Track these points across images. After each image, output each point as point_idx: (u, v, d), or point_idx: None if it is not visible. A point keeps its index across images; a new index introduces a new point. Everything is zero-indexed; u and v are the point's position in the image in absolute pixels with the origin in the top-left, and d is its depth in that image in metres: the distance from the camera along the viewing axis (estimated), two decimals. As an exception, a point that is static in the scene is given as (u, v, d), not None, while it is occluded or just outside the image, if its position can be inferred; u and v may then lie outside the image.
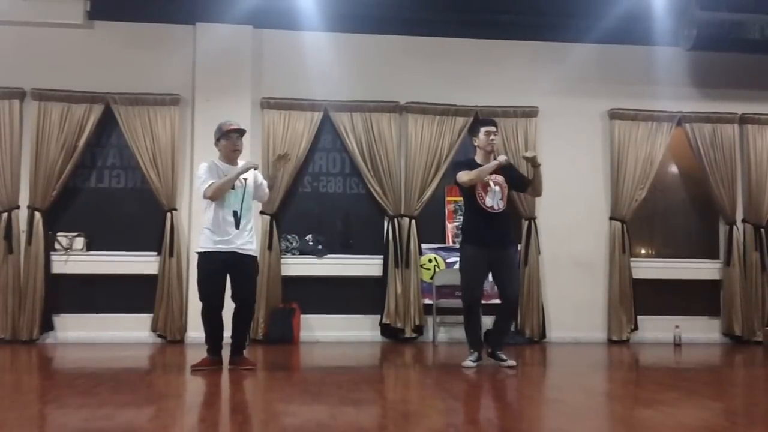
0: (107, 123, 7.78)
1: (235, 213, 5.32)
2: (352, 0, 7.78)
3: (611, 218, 8.16)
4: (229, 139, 5.44)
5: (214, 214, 5.33)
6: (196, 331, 7.48)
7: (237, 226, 5.31)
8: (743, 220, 8.32)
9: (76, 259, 7.61)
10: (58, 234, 7.63)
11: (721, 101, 8.37)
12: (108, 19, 7.86)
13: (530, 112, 8.14)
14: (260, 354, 6.80)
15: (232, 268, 5.37)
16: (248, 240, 5.39)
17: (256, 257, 5.52)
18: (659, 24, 7.81)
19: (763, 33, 7.67)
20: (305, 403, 4.24)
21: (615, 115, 8.26)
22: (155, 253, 7.65)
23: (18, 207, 7.56)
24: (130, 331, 7.58)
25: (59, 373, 5.83)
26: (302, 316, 7.60)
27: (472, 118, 7.98)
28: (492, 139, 5.62)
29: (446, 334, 7.92)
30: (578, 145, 8.11)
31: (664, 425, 3.52)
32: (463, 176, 5.51)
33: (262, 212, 7.71)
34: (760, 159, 8.33)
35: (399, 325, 7.76)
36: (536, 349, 7.41)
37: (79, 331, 7.54)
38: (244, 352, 5.50)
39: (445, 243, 8.05)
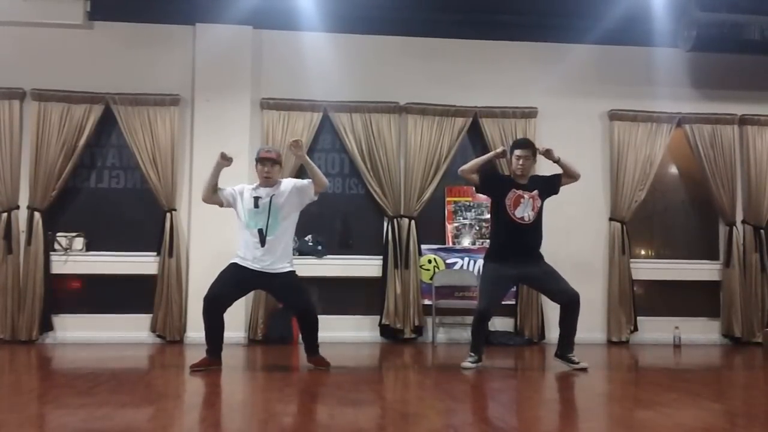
0: (107, 123, 7.78)
1: (260, 231, 5.37)
2: (352, 1, 7.79)
3: (611, 219, 8.16)
4: (263, 165, 5.50)
5: (241, 235, 5.45)
6: (195, 332, 7.49)
7: (262, 244, 5.35)
8: (743, 221, 8.32)
9: (75, 259, 7.62)
10: (58, 234, 7.63)
11: (721, 102, 8.37)
12: (108, 19, 7.86)
13: (529, 113, 8.14)
14: (259, 354, 6.80)
15: (266, 287, 5.60)
16: (279, 259, 5.39)
17: (292, 272, 5.48)
18: (659, 25, 7.81)
19: (762, 34, 7.67)
20: (304, 403, 4.24)
21: (614, 115, 8.26)
22: (155, 253, 7.65)
23: (17, 207, 7.56)
24: (129, 332, 7.57)
25: (58, 374, 5.83)
26: (302, 316, 7.61)
27: (471, 119, 8.03)
28: (521, 164, 5.60)
29: (445, 334, 7.92)
30: (578, 146, 8.09)
31: (663, 426, 3.52)
32: (464, 166, 5.68)
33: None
34: (759, 160, 8.33)
35: (398, 325, 7.75)
36: (535, 350, 7.40)
37: (78, 332, 7.54)
38: (319, 351, 5.56)
39: (444, 244, 8.05)
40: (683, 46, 7.97)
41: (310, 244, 7.89)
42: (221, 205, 5.57)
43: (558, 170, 5.76)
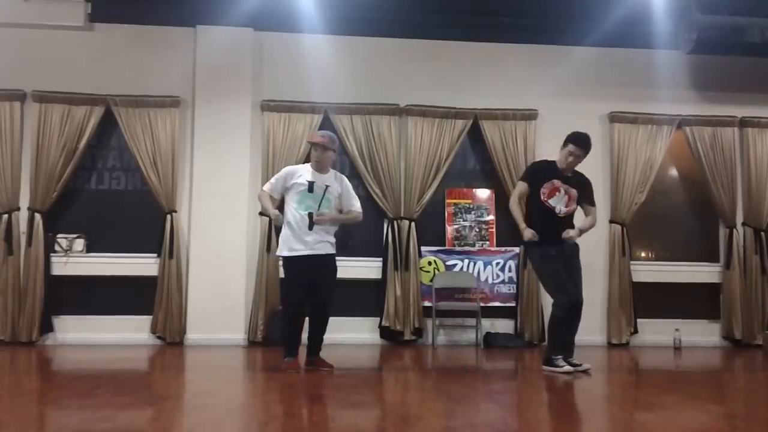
0: (108, 125, 7.79)
1: (310, 215, 5.37)
2: (352, 3, 7.79)
3: (611, 221, 8.15)
4: (314, 150, 5.55)
5: (291, 213, 5.43)
6: (195, 333, 7.52)
7: (310, 227, 5.36)
8: (743, 224, 8.32)
9: (76, 260, 7.62)
10: (58, 235, 7.64)
11: (721, 104, 8.37)
12: (109, 21, 7.88)
13: (530, 115, 8.14)
14: (259, 356, 6.80)
15: (315, 271, 5.44)
16: (324, 240, 5.42)
17: (334, 255, 5.52)
18: (659, 27, 7.82)
19: (762, 36, 7.67)
20: (304, 405, 4.24)
21: (615, 118, 8.26)
22: (155, 254, 7.65)
23: (18, 208, 7.56)
24: (129, 333, 7.57)
25: (59, 375, 5.83)
26: (302, 318, 7.60)
27: (471, 121, 8.03)
28: (570, 161, 5.60)
29: (445, 336, 7.93)
30: (578, 148, 8.11)
31: (663, 428, 3.52)
32: (512, 198, 5.65)
33: (261, 214, 7.72)
34: (760, 162, 8.33)
35: (398, 327, 7.75)
36: (535, 352, 7.40)
37: (78, 333, 7.54)
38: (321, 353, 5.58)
39: (444, 246, 8.05)
40: (683, 49, 7.98)
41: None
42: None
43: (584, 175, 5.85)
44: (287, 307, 5.57)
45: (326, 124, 7.99)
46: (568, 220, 5.59)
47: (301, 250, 5.36)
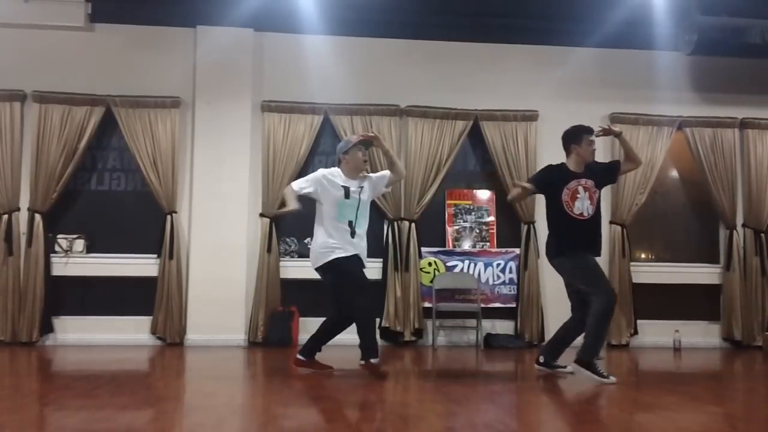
0: (108, 125, 7.79)
1: (350, 223, 5.27)
2: (353, 4, 7.79)
3: (611, 222, 8.14)
4: (365, 149, 5.41)
5: (330, 224, 5.27)
6: (195, 334, 7.51)
7: (353, 235, 5.27)
8: (743, 225, 8.32)
9: (76, 261, 7.62)
10: (59, 236, 7.63)
11: (722, 106, 8.38)
12: (109, 21, 7.88)
13: (530, 116, 8.14)
14: (259, 357, 6.80)
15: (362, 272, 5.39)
16: (363, 245, 5.37)
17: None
18: (660, 28, 7.82)
19: (763, 38, 7.67)
20: (304, 406, 4.24)
21: (615, 119, 8.25)
22: (155, 255, 7.65)
23: (18, 209, 7.56)
24: (129, 334, 7.58)
25: (59, 376, 5.83)
26: (301, 319, 7.60)
27: (471, 122, 8.02)
28: (594, 149, 5.37)
29: (445, 337, 7.92)
30: (578, 149, 8.10)
31: (663, 430, 3.52)
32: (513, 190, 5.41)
33: (261, 215, 7.72)
34: (760, 163, 8.33)
35: (398, 328, 7.75)
36: (535, 352, 7.38)
37: (78, 334, 7.54)
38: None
39: (445, 246, 8.05)
40: (684, 50, 7.98)
41: (310, 246, 7.87)
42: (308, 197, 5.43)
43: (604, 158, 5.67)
44: (363, 308, 5.27)
45: (326, 125, 8.00)
46: (595, 224, 5.28)
47: (352, 251, 5.27)
